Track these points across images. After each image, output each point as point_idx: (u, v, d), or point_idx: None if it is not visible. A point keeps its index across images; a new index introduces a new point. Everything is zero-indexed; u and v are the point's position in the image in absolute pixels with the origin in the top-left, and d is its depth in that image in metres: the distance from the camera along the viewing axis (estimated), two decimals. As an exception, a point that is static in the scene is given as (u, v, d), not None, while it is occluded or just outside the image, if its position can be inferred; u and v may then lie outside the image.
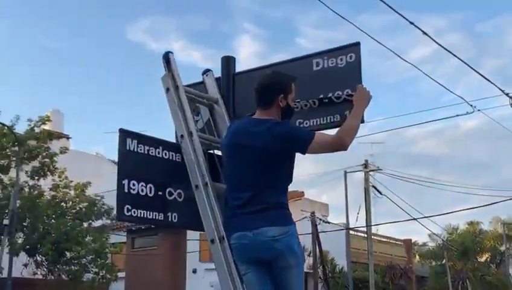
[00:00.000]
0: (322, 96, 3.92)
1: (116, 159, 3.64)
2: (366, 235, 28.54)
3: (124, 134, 3.66)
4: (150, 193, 3.69)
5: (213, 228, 3.64)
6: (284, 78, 3.61)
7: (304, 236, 21.20)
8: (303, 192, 30.67)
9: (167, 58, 4.07)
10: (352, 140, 3.44)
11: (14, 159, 20.31)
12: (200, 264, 29.08)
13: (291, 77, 3.63)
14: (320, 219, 27.17)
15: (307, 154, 3.48)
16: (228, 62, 4.39)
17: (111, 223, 24.20)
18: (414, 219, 27.75)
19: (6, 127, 20.14)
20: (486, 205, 22.51)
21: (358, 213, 27.52)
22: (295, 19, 60.62)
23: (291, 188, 3.67)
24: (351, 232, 29.61)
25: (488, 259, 39.84)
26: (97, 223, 22.32)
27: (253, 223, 3.38)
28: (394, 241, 39.01)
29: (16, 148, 20.07)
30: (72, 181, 21.64)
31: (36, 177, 21.02)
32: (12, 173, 20.40)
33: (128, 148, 3.65)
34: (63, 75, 56.50)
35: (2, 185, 20.98)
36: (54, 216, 20.99)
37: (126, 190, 3.57)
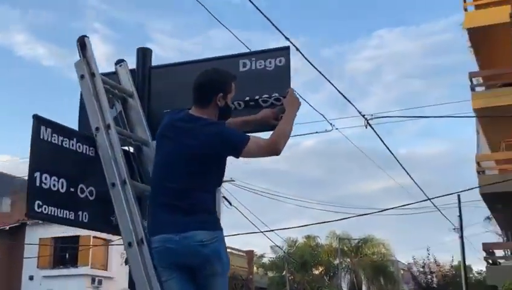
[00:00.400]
0: (248, 98, 3.79)
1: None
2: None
3: (38, 121, 3.26)
4: (62, 188, 3.31)
5: (131, 229, 3.35)
6: (224, 76, 3.42)
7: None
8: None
9: (82, 42, 3.72)
10: (285, 145, 3.34)
11: None
12: (37, 271, 27.44)
13: (231, 75, 3.46)
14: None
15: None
16: (144, 54, 4.12)
17: None
18: (261, 231, 28.32)
19: None
20: (336, 220, 23.48)
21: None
22: (148, 25, 59.95)
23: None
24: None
25: (323, 272, 41.76)
26: None
27: (179, 225, 3.16)
28: (236, 252, 39.62)
29: None
30: None
31: None
32: None
33: (41, 137, 3.25)
34: None
35: None
36: None
37: (38, 184, 3.17)
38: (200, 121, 3.29)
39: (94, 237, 26.30)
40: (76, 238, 26.37)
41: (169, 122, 3.38)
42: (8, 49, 56.90)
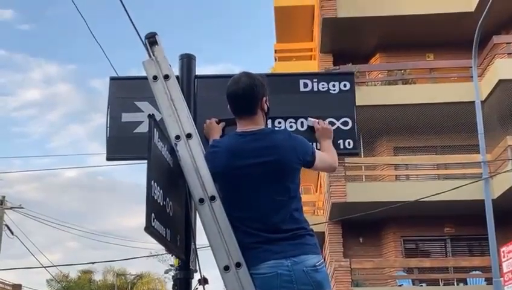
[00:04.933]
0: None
1: None
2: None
3: (154, 120, 2.80)
4: (160, 200, 2.86)
5: (227, 251, 3.00)
6: (261, 77, 3.23)
7: None
8: None
9: (152, 39, 3.31)
10: None
11: None
12: None
13: (263, 75, 3.34)
14: None
15: None
16: (189, 61, 3.74)
17: None
18: (44, 267, 26.65)
19: None
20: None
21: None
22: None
23: None
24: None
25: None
26: None
27: (289, 250, 2.92)
28: (2, 286, 36.43)
29: None
30: None
31: None
32: None
33: (154, 140, 2.79)
34: None
35: None
36: None
37: (153, 194, 2.71)
38: (267, 134, 3.09)
39: None
40: None
41: (239, 149, 3.04)
42: None
